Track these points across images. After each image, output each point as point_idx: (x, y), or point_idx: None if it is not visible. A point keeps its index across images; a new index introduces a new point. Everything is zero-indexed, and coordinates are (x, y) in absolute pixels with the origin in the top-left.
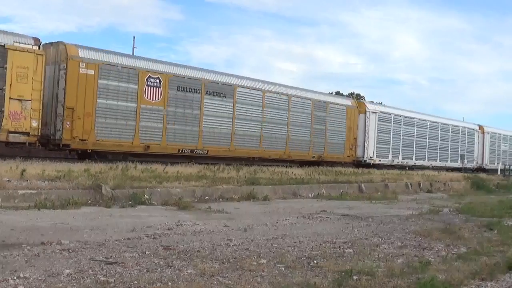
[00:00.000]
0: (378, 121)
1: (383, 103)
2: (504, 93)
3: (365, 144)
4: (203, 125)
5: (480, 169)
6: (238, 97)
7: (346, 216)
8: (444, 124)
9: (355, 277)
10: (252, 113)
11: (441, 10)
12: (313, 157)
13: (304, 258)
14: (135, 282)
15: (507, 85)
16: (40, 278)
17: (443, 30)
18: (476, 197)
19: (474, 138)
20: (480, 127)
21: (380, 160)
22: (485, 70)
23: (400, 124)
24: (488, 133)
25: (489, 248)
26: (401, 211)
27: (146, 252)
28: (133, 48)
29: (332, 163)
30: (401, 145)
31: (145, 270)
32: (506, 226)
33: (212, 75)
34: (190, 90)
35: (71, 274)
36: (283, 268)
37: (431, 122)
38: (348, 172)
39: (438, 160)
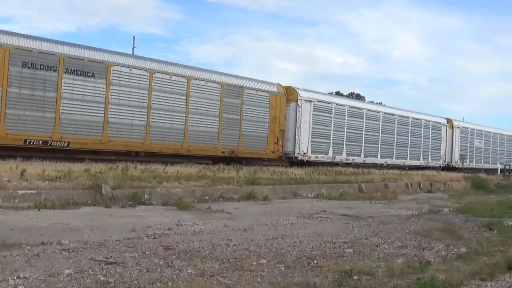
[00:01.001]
0: (313, 111)
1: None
2: (504, 93)
3: (297, 138)
4: (60, 111)
5: (449, 168)
6: (114, 78)
7: (346, 216)
8: (402, 116)
9: (355, 277)
10: (134, 98)
11: (441, 10)
12: (223, 152)
13: (304, 258)
14: (135, 282)
15: (507, 85)
16: (40, 278)
17: (443, 30)
18: (476, 197)
19: (441, 133)
20: (449, 120)
21: (316, 157)
22: (485, 70)
23: (344, 116)
24: (458, 127)
25: (489, 248)
26: (401, 211)
27: (146, 252)
28: (133, 48)
29: (251, 160)
30: (345, 139)
31: (145, 270)
32: (506, 226)
33: (76, 49)
34: (42, 67)
35: (71, 274)
36: (283, 268)
37: (386, 114)
38: (348, 172)
39: (394, 158)
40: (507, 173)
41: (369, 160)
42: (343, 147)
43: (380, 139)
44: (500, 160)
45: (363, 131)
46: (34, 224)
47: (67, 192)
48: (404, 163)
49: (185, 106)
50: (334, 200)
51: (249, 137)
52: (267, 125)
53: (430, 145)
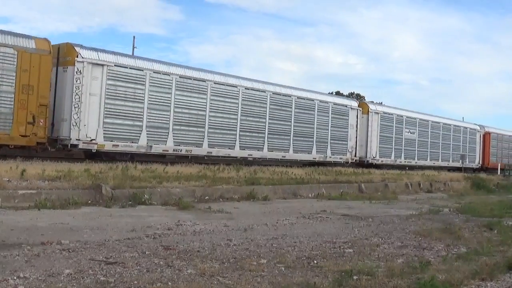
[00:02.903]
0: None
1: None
2: (504, 93)
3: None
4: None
5: (362, 165)
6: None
7: (346, 216)
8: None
9: (355, 277)
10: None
11: (441, 10)
12: None
13: (304, 258)
14: (135, 282)
15: (507, 85)
16: (40, 278)
17: (443, 30)
18: (476, 197)
19: (347, 120)
20: (362, 104)
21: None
22: (485, 70)
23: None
24: (376, 112)
25: (489, 248)
26: (401, 211)
27: (146, 252)
28: (133, 48)
29: None
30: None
31: (145, 270)
32: (506, 226)
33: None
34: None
35: (71, 274)
36: (283, 268)
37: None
38: (348, 172)
39: (265, 150)
40: (507, 173)
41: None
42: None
43: (238, 125)
44: (453, 156)
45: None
46: (34, 224)
47: (67, 192)
48: (284, 157)
49: None
50: (334, 200)
51: None
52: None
53: (329, 135)
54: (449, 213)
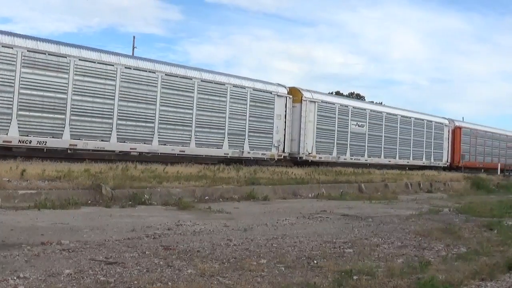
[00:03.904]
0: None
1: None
2: (504, 93)
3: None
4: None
5: (296, 162)
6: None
7: (346, 216)
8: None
9: (355, 277)
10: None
11: (441, 10)
12: None
13: (304, 258)
14: (135, 282)
15: (507, 85)
16: (40, 278)
17: (443, 30)
18: (476, 197)
19: (273, 109)
20: (293, 90)
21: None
22: (485, 70)
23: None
24: (312, 101)
25: (489, 248)
26: (401, 211)
27: (146, 252)
28: (133, 48)
29: None
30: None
31: (145, 270)
32: (506, 226)
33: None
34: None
35: (71, 274)
36: (283, 268)
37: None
38: (348, 172)
39: (195, 145)
40: (507, 173)
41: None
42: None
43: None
44: (414, 154)
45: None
46: (34, 224)
47: (67, 192)
48: (183, 151)
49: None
50: (334, 200)
51: None
52: None
53: (247, 126)
54: (449, 213)
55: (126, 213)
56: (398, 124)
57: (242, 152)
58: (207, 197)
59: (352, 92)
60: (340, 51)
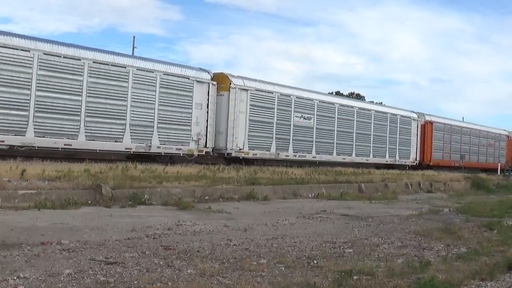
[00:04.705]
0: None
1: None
2: (504, 93)
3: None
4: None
5: (225, 158)
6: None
7: (346, 216)
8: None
9: (355, 277)
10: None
11: (440, 10)
12: None
13: (304, 258)
14: (135, 282)
15: (507, 85)
16: (40, 278)
17: (443, 30)
18: (476, 197)
19: (191, 97)
20: (222, 78)
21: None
22: (485, 70)
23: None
24: (244, 89)
25: (489, 248)
26: (401, 211)
27: (146, 252)
28: (133, 48)
29: None
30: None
31: (145, 270)
32: (506, 226)
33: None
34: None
35: (71, 274)
36: (283, 268)
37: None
38: (348, 172)
39: (85, 138)
40: (507, 173)
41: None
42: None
43: None
44: (375, 151)
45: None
46: (34, 224)
47: (67, 192)
48: (69, 145)
49: None
50: (334, 200)
51: None
52: None
53: (156, 116)
54: (449, 213)
55: (126, 213)
56: (355, 117)
57: (150, 146)
58: (207, 197)
59: (352, 92)
60: (340, 51)
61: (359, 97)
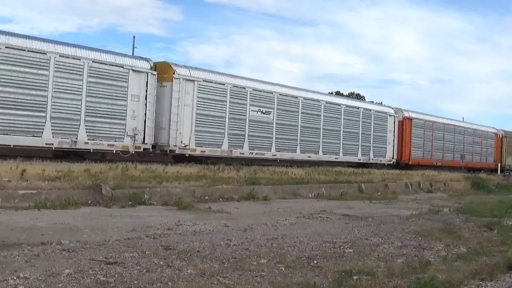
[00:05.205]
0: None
1: None
2: (504, 93)
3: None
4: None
5: (171, 155)
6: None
7: (346, 216)
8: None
9: (355, 277)
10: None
11: (440, 10)
12: None
13: (304, 258)
14: (135, 282)
15: (507, 85)
16: (40, 278)
17: (442, 30)
18: (476, 197)
19: (125, 88)
20: (164, 67)
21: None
22: (485, 70)
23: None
24: (189, 80)
25: (489, 248)
26: (401, 211)
27: (146, 252)
28: (133, 48)
29: None
30: None
31: (145, 270)
32: (506, 226)
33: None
34: None
35: (71, 274)
36: (283, 268)
37: None
38: (348, 172)
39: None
40: (507, 173)
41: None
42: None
43: None
44: (346, 148)
45: None
46: (34, 224)
47: (67, 192)
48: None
49: None
50: (334, 200)
51: None
52: None
53: (83, 108)
54: (449, 213)
55: (126, 213)
56: (322, 112)
57: (76, 142)
58: (207, 197)
59: (352, 92)
60: (340, 51)
61: (359, 97)
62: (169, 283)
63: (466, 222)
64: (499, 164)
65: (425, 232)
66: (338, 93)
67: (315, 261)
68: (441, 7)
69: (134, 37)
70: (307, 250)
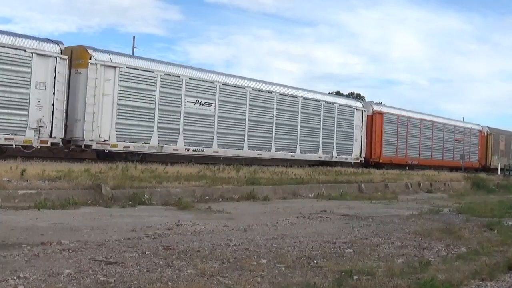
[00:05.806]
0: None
1: None
2: (504, 93)
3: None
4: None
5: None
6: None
7: (346, 216)
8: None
9: (355, 277)
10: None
11: (440, 10)
12: None
13: (304, 258)
14: (135, 282)
15: (507, 85)
16: (40, 278)
17: (442, 30)
18: (476, 197)
19: (28, 75)
20: (78, 50)
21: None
22: (485, 70)
23: None
24: (110, 67)
25: (489, 248)
26: (401, 211)
27: (146, 252)
28: (133, 48)
29: None
30: None
31: (145, 270)
32: (506, 226)
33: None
34: None
35: (71, 274)
36: (283, 268)
37: None
38: (348, 172)
39: None
40: (507, 173)
41: None
42: None
43: None
44: (304, 145)
45: None
46: (34, 224)
47: (67, 192)
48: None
49: None
50: (334, 200)
51: None
52: None
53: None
54: (449, 213)
55: (126, 213)
56: (275, 104)
57: None
58: (207, 197)
59: (352, 92)
60: (340, 51)
61: (359, 97)
62: (169, 283)
63: (466, 222)
64: (485, 163)
65: (425, 232)
66: (338, 93)
67: (315, 261)
68: (441, 7)
69: (134, 37)
70: (307, 250)
